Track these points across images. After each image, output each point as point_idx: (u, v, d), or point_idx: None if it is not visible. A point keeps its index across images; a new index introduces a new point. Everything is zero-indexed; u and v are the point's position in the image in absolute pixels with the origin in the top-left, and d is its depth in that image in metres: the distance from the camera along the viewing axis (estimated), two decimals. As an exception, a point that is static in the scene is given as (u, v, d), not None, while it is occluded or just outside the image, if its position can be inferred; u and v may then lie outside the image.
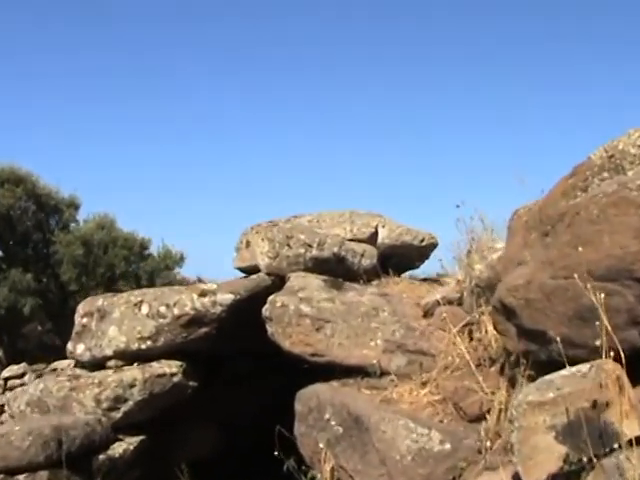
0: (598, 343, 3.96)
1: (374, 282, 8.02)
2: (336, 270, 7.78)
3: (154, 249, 15.82)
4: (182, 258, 16.02)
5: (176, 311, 7.32)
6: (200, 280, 17.56)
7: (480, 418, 5.17)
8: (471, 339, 5.96)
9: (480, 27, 42.95)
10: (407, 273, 9.63)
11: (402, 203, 32.97)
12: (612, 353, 3.99)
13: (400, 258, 8.93)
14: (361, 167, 46.47)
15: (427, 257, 9.36)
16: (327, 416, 5.54)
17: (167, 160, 43.87)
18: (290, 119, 47.28)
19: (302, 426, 5.75)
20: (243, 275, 8.82)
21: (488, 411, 5.13)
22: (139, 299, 7.53)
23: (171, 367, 7.33)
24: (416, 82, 44.98)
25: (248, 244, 8.91)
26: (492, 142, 46.17)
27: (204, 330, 7.37)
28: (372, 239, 8.57)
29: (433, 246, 9.09)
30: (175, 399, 7.40)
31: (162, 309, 7.36)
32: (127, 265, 15.02)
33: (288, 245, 7.75)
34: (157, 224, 38.02)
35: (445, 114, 46.55)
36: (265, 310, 6.81)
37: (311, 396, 5.81)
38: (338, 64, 44.26)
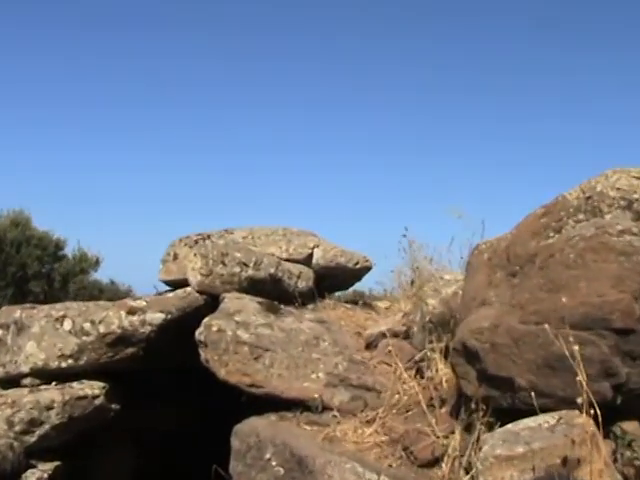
0: (579, 401, 3.74)
1: (310, 306, 7.71)
2: (271, 291, 7.40)
3: (69, 251, 15.31)
4: (97, 262, 15.58)
5: (102, 329, 6.78)
6: (113, 283, 17.20)
7: (432, 463, 4.86)
8: (421, 377, 5.68)
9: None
10: (337, 294, 9.42)
11: (337, 224, 32.95)
12: (583, 404, 3.80)
13: (333, 280, 8.66)
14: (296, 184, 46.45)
15: (359, 280, 9.15)
16: (268, 456, 5.14)
17: (85, 164, 43.05)
18: (218, 131, 46.87)
19: (239, 465, 5.33)
20: (168, 288, 8.44)
21: (441, 456, 4.85)
22: (61, 313, 6.96)
23: (93, 388, 6.79)
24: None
25: (176, 257, 8.50)
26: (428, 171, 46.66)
27: (131, 350, 6.85)
28: (308, 260, 8.26)
29: (367, 269, 8.87)
30: (96, 422, 6.87)
31: (86, 326, 6.81)
32: (40, 265, 14.44)
33: (223, 263, 7.31)
34: (72, 227, 37.16)
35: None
36: (199, 334, 6.33)
37: (250, 433, 5.39)
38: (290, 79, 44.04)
